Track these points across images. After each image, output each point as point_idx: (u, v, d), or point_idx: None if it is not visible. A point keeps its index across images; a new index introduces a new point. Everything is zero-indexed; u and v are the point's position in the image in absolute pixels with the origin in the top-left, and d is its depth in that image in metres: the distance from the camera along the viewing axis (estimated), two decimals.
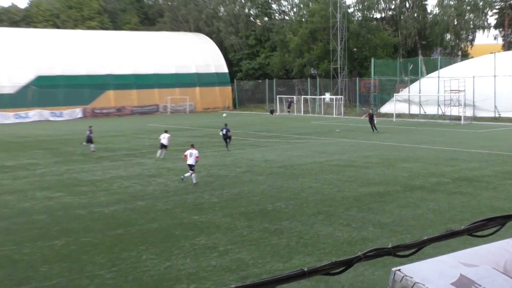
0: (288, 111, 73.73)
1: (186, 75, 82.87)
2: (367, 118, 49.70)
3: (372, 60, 70.61)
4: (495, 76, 57.84)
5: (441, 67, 65.19)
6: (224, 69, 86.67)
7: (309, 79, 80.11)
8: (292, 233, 15.73)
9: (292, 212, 18.32)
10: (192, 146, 25.26)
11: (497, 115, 57.05)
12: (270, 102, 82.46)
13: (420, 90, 63.31)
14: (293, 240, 15.00)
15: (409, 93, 64.18)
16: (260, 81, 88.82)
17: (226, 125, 37.82)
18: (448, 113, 57.71)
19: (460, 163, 28.21)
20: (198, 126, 54.17)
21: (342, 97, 71.46)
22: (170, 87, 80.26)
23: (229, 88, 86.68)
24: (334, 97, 70.37)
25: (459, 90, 57.26)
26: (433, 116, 60.60)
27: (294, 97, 76.77)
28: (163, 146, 32.49)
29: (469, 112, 56.84)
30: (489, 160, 29.08)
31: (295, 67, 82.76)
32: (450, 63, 71.12)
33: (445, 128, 49.73)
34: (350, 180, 23.97)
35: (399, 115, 60.91)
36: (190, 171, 24.04)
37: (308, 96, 76.49)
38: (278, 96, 77.45)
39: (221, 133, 36.56)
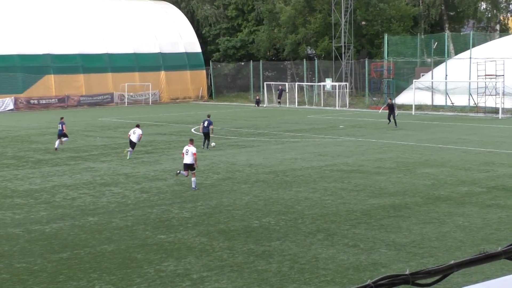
0: (279, 102, 73.83)
1: (148, 55, 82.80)
2: (386, 110, 50.13)
3: (386, 36, 70.80)
4: None
5: (473, 46, 65.50)
6: (197, 48, 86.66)
7: (305, 61, 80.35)
8: (284, 256, 15.93)
9: (284, 229, 18.51)
10: (191, 142, 26.03)
11: None
12: (255, 90, 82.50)
13: (446, 75, 63.77)
14: (286, 265, 15.19)
15: (432, 79, 64.64)
16: (243, 63, 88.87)
17: (209, 116, 38.41)
18: (482, 105, 58.12)
19: (497, 168, 28.51)
20: (164, 121, 54.20)
21: (347, 84, 71.80)
22: (128, 71, 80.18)
23: (203, 72, 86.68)
24: (336, 84, 70.63)
25: (496, 75, 57.69)
26: (463, 108, 61.06)
27: (286, 84, 76.89)
28: (131, 144, 33.38)
29: (509, 103, 57.40)
30: None
31: (287, 46, 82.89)
32: (485, 40, 71.54)
33: (479, 123, 50.12)
34: (357, 189, 24.18)
35: (419, 107, 61.31)
36: (186, 172, 25.36)
37: (304, 83, 76.65)
38: (265, 83, 77.50)
39: (201, 126, 37.39)
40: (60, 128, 37.35)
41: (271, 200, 22.58)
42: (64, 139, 37.56)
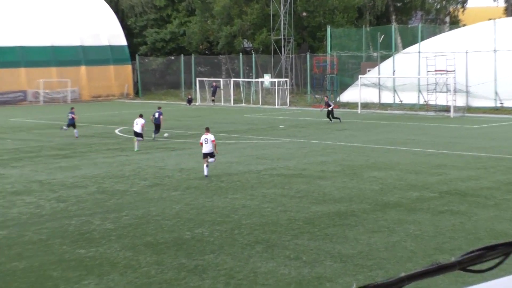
0: (213, 100, 73.84)
1: (66, 48, 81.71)
2: (327, 108, 51.71)
3: (329, 29, 71.23)
4: (495, 51, 59.55)
5: (422, 39, 66.62)
6: (121, 40, 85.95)
7: (241, 55, 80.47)
8: (219, 271, 15.75)
9: (219, 241, 18.34)
10: (207, 130, 29.38)
11: (498, 105, 58.86)
12: (187, 87, 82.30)
13: (394, 71, 64.64)
14: (221, 281, 15.01)
15: (379, 74, 65.42)
16: (173, 57, 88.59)
17: (159, 108, 43.15)
18: (432, 102, 59.11)
19: (449, 170, 28.87)
20: (85, 122, 53.47)
21: (288, 80, 72.12)
22: (44, 65, 78.99)
23: (129, 67, 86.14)
24: (276, 80, 70.99)
25: (447, 71, 58.63)
26: (412, 107, 61.97)
27: (221, 80, 76.90)
28: (137, 135, 37.30)
29: (461, 101, 58.31)
30: (488, 166, 29.92)
31: (221, 39, 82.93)
32: (434, 33, 72.83)
33: (429, 122, 50.87)
34: (299, 195, 24.19)
35: (366, 105, 61.90)
36: (209, 160, 28.25)
37: (240, 79, 76.77)
38: (198, 79, 77.44)
39: (152, 117, 41.40)
40: (70, 118, 42.67)
41: (205, 208, 22.41)
42: (75, 130, 42.58)
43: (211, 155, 28.55)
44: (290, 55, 76.28)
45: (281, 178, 27.78)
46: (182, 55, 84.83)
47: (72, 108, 44.60)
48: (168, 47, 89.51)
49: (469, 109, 58.06)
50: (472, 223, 19.81)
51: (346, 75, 71.15)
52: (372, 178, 27.25)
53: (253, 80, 76.05)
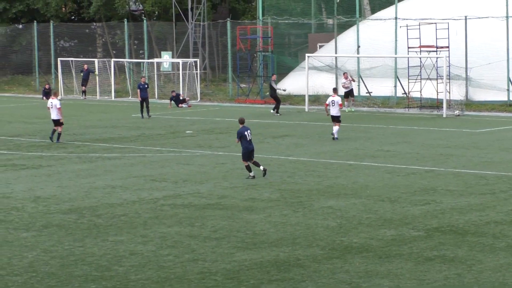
0: (83, 92, 73.25)
1: None
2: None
3: None
4: (508, 17, 60.40)
5: (400, 0, 67.08)
6: None
7: (126, 22, 79.73)
8: None
9: None
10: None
11: None
12: (43, 72, 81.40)
13: (358, 47, 65.15)
14: None
15: (336, 52, 65.77)
16: (21, 26, 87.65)
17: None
18: (416, 95, 59.79)
19: (441, 197, 29.31)
20: None
21: (198, 61, 71.81)
22: None
23: None
24: (180, 61, 70.75)
25: (437, 47, 59.33)
26: (385, 101, 62.56)
27: (96, 61, 76.40)
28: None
29: (458, 93, 58.89)
30: (497, 190, 30.39)
31: None
32: None
33: (411, 124, 51.49)
34: (217, 236, 24.25)
35: (316, 99, 62.39)
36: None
37: (126, 60, 76.30)
38: (60, 59, 76.88)
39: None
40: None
41: (73, 257, 22.25)
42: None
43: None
44: (202, 23, 76.12)
45: (189, 210, 27.84)
46: (35, 23, 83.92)
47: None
48: (12, 10, 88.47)
49: (469, 104, 58.80)
50: (474, 275, 19.91)
51: (287, 53, 71.30)
52: (327, 210, 27.45)
53: (146, 61, 75.68)
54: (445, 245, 22.81)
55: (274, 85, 58.07)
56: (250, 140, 33.64)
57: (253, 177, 33.27)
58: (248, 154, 33.65)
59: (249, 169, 33.55)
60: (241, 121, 34.20)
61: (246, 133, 33.51)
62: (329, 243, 23.32)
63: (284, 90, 61.83)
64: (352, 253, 22.17)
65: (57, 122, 44.59)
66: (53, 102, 45.32)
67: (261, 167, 33.61)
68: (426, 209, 27.46)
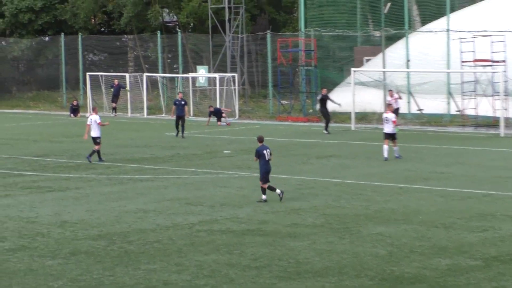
0: (114, 109, 73.84)
1: None
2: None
3: None
4: None
5: (453, 10, 67.28)
6: None
7: (159, 35, 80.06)
8: None
9: None
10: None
11: None
12: (71, 87, 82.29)
13: (408, 61, 65.05)
14: None
15: (384, 67, 65.56)
16: (47, 39, 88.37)
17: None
18: (471, 112, 59.41)
19: (500, 223, 28.98)
20: None
21: (236, 76, 72.02)
22: None
23: None
24: (217, 76, 70.83)
25: (493, 61, 58.98)
26: (438, 119, 62.32)
27: (127, 76, 76.72)
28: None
29: None
30: None
31: (126, 8, 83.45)
32: (472, 1, 73.42)
33: (466, 144, 51.63)
34: (257, 265, 23.95)
35: (364, 117, 62.33)
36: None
37: (159, 75, 76.61)
38: (88, 73, 77.36)
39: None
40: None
41: (102, 287, 22.10)
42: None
43: (393, 136, 43.19)
44: (240, 35, 76.12)
45: (227, 236, 27.77)
46: (62, 35, 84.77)
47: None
48: (39, 21, 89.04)
49: None
50: None
51: (331, 68, 71.07)
52: (376, 236, 27.31)
53: (180, 75, 75.89)
54: (505, 275, 22.45)
55: (329, 97, 58.31)
56: (269, 160, 33.67)
57: (265, 201, 33.37)
58: (266, 175, 33.56)
59: (265, 191, 33.63)
60: (260, 140, 34.30)
61: (265, 151, 33.62)
62: (378, 273, 23.09)
63: (340, 105, 61.03)
64: (404, 284, 22.03)
65: (96, 140, 45.03)
66: (93, 118, 45.62)
67: (278, 190, 33.51)
68: (484, 236, 27.14)
